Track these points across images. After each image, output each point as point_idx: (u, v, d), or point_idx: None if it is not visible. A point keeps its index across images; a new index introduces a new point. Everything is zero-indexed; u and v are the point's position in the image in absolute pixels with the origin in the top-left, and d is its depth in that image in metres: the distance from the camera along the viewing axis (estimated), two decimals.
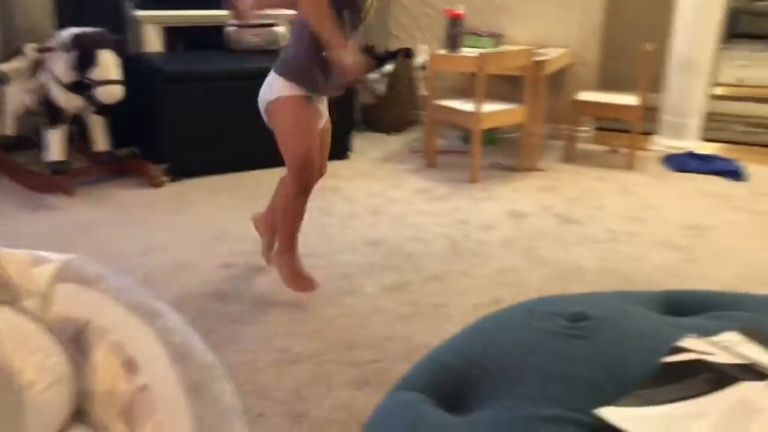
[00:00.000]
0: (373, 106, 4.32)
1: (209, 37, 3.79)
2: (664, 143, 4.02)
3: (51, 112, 3.14)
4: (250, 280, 2.37)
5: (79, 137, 3.46)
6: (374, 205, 3.11)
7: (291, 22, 2.19)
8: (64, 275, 1.04)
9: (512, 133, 4.04)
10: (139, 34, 3.70)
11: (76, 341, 0.99)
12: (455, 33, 3.61)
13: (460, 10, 3.64)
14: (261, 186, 3.25)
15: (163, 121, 3.33)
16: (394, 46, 4.44)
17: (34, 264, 1.04)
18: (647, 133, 4.03)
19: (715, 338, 0.97)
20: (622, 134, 3.86)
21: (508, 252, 2.63)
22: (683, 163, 3.69)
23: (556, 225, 2.91)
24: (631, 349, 0.92)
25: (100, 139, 3.33)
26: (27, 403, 0.90)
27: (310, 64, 2.01)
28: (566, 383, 0.87)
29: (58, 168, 3.18)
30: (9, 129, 3.45)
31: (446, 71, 4.07)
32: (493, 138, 4.05)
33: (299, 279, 2.23)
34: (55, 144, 3.16)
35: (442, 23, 3.75)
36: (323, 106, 2.18)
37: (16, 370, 0.91)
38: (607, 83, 4.45)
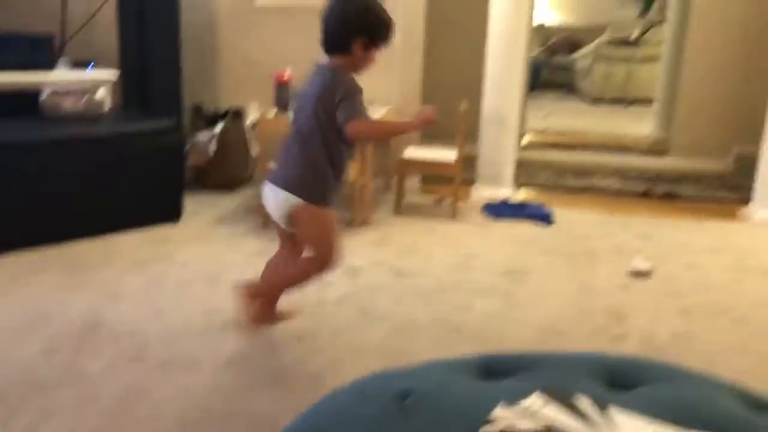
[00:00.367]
0: (203, 167, 4.27)
1: (22, 102, 3.56)
2: (483, 192, 4.36)
3: None
4: (75, 364, 2.24)
5: None
6: (209, 271, 3.07)
7: (293, 143, 2.29)
8: None
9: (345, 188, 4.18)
10: None
11: None
12: (283, 96, 3.70)
13: (287, 72, 3.73)
14: (80, 259, 3.11)
15: None
16: (224, 105, 4.44)
17: None
18: (470, 183, 4.35)
19: (522, 404, 1.09)
20: (446, 185, 4.13)
21: (345, 310, 2.71)
22: (499, 210, 4.02)
23: (390, 278, 3.04)
24: (454, 426, 1.01)
25: None
26: None
27: (325, 185, 2.23)
28: None
29: None
30: None
31: (277, 132, 4.13)
32: None
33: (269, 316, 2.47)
34: None
35: (272, 82, 3.81)
36: None
37: None
38: (431, 135, 4.77)
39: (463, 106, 3.90)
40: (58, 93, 3.53)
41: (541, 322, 2.66)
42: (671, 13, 6.21)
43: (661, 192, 4.72)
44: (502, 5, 4.14)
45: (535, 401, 1.10)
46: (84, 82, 3.65)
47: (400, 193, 4.06)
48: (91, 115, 3.56)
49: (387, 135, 2.15)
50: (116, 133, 3.49)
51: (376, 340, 2.47)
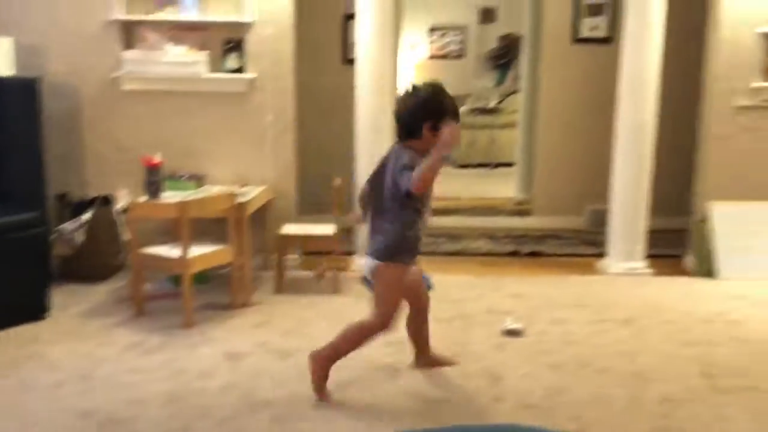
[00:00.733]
0: (71, 257, 4.09)
1: None
2: (361, 263, 4.44)
3: None
4: None
5: None
6: (82, 368, 2.92)
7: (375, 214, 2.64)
8: None
9: (225, 269, 4.13)
10: None
11: None
12: (154, 180, 3.65)
13: (156, 157, 3.70)
14: None
15: None
16: (92, 192, 4.29)
17: None
18: (350, 253, 4.44)
19: None
20: (326, 257, 4.18)
21: (228, 399, 2.66)
22: None
23: (272, 362, 3.02)
24: None
25: None
26: None
27: (412, 243, 2.56)
28: None
29: None
30: None
31: (149, 218, 4.06)
32: (205, 276, 4.09)
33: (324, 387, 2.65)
34: None
35: (141, 167, 3.75)
36: None
37: None
38: (308, 208, 4.86)
39: (337, 181, 4.02)
40: None
41: (421, 389, 2.74)
42: (524, 83, 6.74)
43: (528, 250, 5.02)
44: (367, 83, 4.34)
45: None
46: None
47: (280, 271, 4.06)
48: None
49: (436, 170, 2.34)
50: None
51: (260, 428, 2.44)
